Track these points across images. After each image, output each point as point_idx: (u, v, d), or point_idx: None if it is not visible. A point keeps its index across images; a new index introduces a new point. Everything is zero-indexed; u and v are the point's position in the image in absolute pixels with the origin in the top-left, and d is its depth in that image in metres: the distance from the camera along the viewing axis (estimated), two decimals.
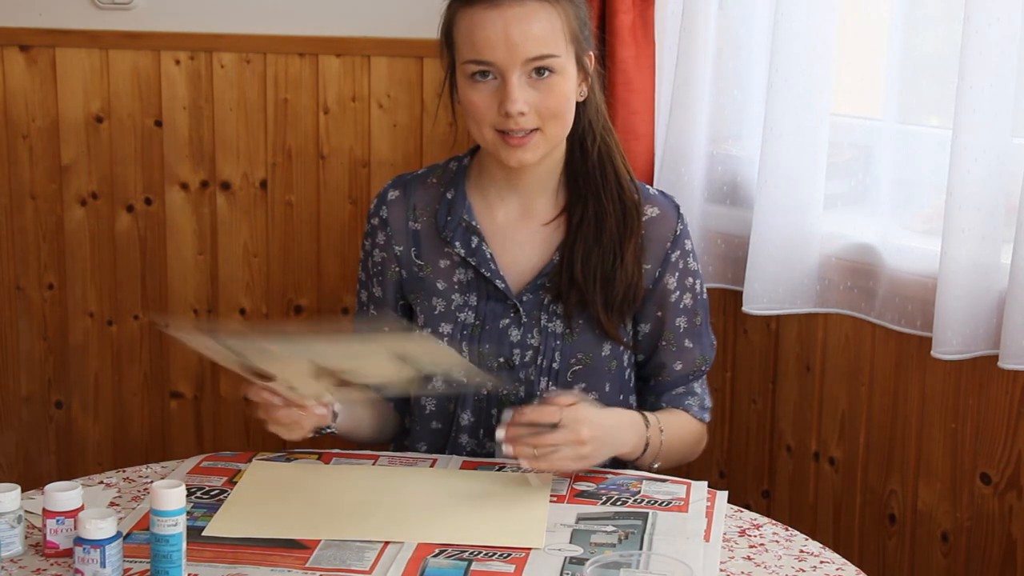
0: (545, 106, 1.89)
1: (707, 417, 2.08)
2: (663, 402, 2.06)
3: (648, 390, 2.07)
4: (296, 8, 2.75)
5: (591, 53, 1.97)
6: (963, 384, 2.26)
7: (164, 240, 2.87)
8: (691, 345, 2.05)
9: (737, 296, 2.46)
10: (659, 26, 2.49)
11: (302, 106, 2.79)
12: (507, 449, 1.77)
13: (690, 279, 2.03)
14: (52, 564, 1.61)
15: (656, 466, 1.96)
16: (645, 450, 1.94)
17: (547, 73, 1.88)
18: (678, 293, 2.02)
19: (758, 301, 2.40)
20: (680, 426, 2.02)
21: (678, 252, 2.01)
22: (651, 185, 2.27)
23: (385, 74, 2.75)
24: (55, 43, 2.80)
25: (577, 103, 1.96)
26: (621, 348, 2.00)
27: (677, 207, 2.04)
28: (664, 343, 2.03)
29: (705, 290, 2.07)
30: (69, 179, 2.85)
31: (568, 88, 1.92)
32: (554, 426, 1.77)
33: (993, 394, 2.23)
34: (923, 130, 2.30)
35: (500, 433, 1.78)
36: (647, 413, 1.97)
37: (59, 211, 2.87)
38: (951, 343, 2.15)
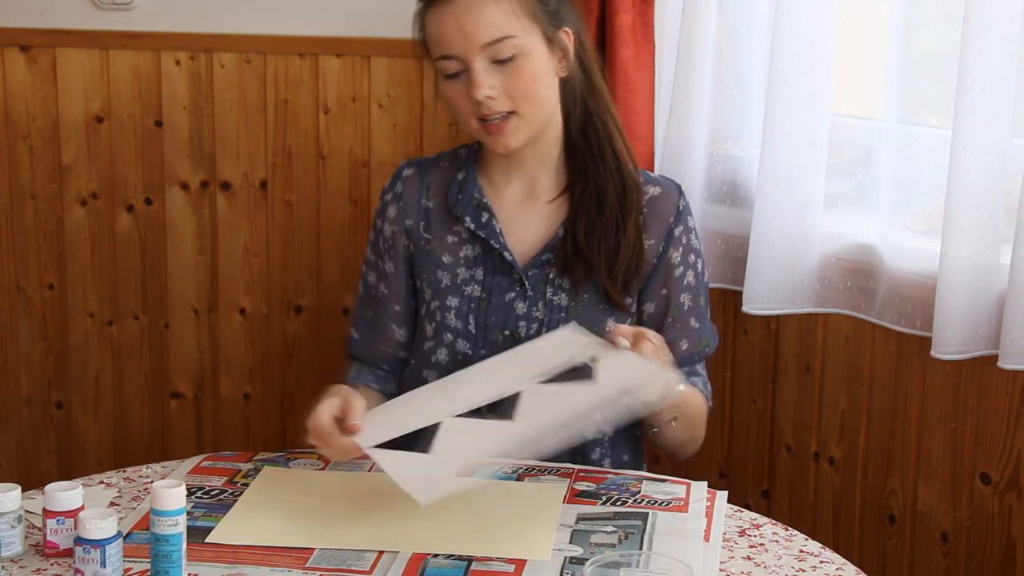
0: (513, 87, 1.93)
1: (710, 401, 2.08)
2: None
3: None
4: (296, 8, 2.75)
5: (567, 29, 1.99)
6: (963, 384, 2.26)
7: (164, 240, 2.86)
8: (696, 324, 2.06)
9: (737, 296, 2.46)
10: (659, 26, 2.49)
11: (302, 106, 2.79)
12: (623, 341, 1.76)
13: (692, 256, 2.05)
14: (52, 564, 1.61)
15: (674, 421, 1.93)
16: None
17: (510, 55, 1.93)
18: (682, 269, 2.04)
19: (758, 301, 2.40)
20: (695, 392, 2.02)
21: (681, 227, 2.04)
22: None
23: (385, 74, 2.75)
24: (55, 43, 2.80)
25: (563, 80, 2.00)
26: (628, 320, 2.01)
27: (679, 186, 2.08)
28: (670, 320, 2.04)
29: (707, 272, 2.09)
30: (69, 179, 2.85)
31: (536, 67, 1.95)
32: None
33: (993, 394, 2.23)
34: (923, 130, 2.30)
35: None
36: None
37: (59, 211, 2.86)
38: (951, 343, 2.15)
